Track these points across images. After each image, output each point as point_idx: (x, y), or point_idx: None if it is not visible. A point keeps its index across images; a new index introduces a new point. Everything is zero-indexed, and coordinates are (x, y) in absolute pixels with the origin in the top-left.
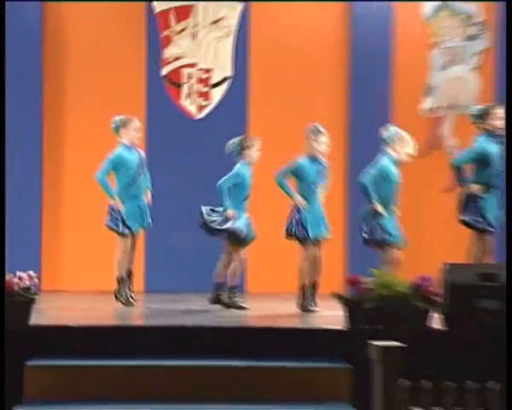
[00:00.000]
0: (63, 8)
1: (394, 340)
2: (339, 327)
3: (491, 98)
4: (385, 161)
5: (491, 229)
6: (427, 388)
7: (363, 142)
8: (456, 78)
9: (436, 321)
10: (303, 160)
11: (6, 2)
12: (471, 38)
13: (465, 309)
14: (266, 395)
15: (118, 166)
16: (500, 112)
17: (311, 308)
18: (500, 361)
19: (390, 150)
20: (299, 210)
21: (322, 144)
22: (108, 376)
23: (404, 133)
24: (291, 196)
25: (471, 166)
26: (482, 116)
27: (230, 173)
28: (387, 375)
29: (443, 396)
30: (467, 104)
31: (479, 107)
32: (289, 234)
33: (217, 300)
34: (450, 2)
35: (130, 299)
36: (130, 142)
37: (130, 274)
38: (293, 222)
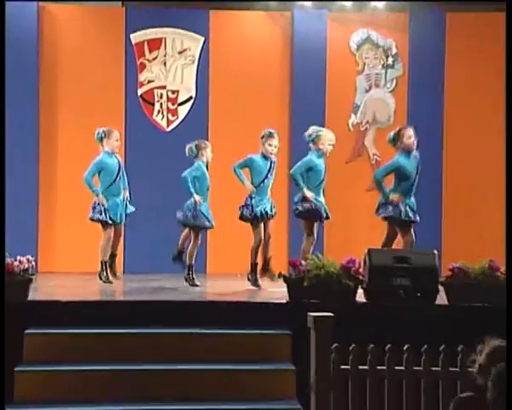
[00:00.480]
0: (58, 34)
1: (327, 311)
2: (283, 301)
3: (403, 115)
4: (310, 156)
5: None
6: (354, 350)
7: (301, 146)
8: (376, 98)
9: (360, 295)
10: (257, 156)
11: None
12: (388, 66)
13: (383, 286)
14: (223, 356)
15: (101, 169)
16: (409, 132)
17: (260, 283)
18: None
19: (313, 147)
20: (250, 196)
21: (273, 146)
22: (91, 341)
23: (322, 129)
24: (242, 182)
25: (391, 178)
26: (395, 139)
27: (190, 169)
28: (320, 339)
29: (367, 357)
30: (385, 120)
31: (392, 132)
32: (241, 217)
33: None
34: (371, 37)
35: (111, 279)
36: (111, 150)
37: (113, 258)
38: (244, 206)
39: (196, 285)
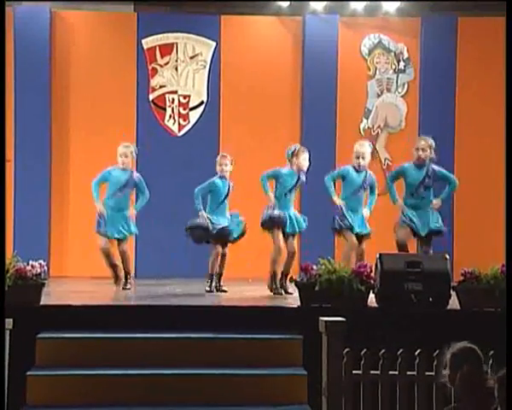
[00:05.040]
0: (70, 40)
1: (339, 316)
2: (294, 306)
3: (415, 119)
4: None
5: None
6: (366, 355)
7: (312, 151)
8: (388, 103)
9: (372, 300)
10: (284, 170)
11: (15, 16)
12: (400, 71)
13: (395, 290)
14: (235, 361)
15: (106, 180)
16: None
17: (280, 291)
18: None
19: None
20: (273, 207)
21: (304, 161)
22: (103, 345)
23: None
24: (266, 193)
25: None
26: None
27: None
28: (332, 344)
29: (379, 362)
30: (396, 125)
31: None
32: (264, 227)
33: None
34: (383, 42)
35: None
36: (121, 164)
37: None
38: (266, 217)
39: (224, 291)
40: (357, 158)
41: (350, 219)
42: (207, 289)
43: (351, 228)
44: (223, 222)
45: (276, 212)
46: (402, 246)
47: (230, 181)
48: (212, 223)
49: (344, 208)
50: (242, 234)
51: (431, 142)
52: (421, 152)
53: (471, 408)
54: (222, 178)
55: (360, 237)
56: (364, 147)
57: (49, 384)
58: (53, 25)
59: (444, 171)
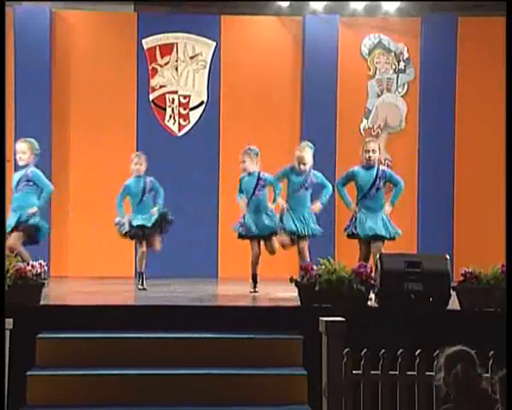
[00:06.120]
0: (70, 40)
1: (339, 316)
2: (294, 306)
3: (415, 119)
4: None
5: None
6: (366, 355)
7: (313, 153)
8: (388, 103)
9: (372, 300)
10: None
11: (15, 16)
12: (400, 71)
13: (395, 290)
14: (235, 361)
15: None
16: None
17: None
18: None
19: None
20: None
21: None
22: (103, 345)
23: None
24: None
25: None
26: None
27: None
28: (332, 344)
29: (379, 362)
30: (396, 125)
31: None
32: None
33: None
34: (383, 42)
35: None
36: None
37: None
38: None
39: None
40: (299, 164)
41: (289, 219)
42: (140, 287)
43: (283, 228)
44: (144, 221)
45: (241, 227)
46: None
47: (147, 178)
48: (131, 222)
49: (285, 208)
50: (159, 222)
51: (379, 143)
52: (371, 154)
53: (465, 408)
54: (137, 177)
55: (301, 237)
56: (304, 151)
57: (49, 384)
58: (53, 25)
59: (391, 172)
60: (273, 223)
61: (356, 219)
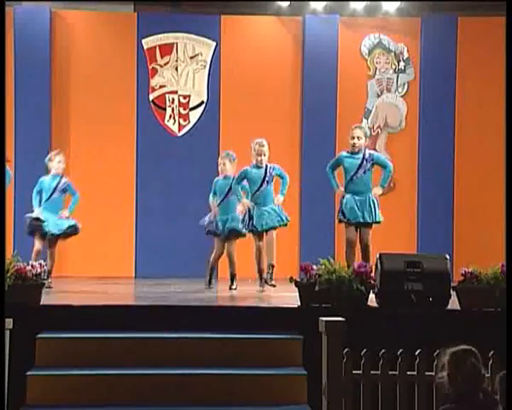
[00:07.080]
0: (70, 39)
1: (339, 316)
2: (294, 306)
3: (415, 119)
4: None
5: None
6: (366, 355)
7: (312, 151)
8: (388, 103)
9: (372, 300)
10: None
11: (15, 16)
12: (400, 71)
13: (395, 290)
14: (235, 361)
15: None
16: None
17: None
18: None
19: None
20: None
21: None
22: (103, 345)
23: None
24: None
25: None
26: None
27: None
28: (332, 344)
29: (379, 362)
30: (396, 125)
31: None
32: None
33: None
34: (383, 42)
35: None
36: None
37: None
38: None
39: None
40: (259, 156)
41: (254, 218)
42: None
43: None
44: (51, 221)
45: (211, 224)
46: (350, 243)
47: (65, 177)
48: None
49: (251, 207)
50: (66, 234)
51: (366, 130)
52: (356, 140)
53: (468, 407)
54: (54, 175)
55: (266, 231)
56: (264, 145)
57: (49, 384)
58: (53, 25)
59: (379, 155)
60: (239, 225)
61: (345, 203)
